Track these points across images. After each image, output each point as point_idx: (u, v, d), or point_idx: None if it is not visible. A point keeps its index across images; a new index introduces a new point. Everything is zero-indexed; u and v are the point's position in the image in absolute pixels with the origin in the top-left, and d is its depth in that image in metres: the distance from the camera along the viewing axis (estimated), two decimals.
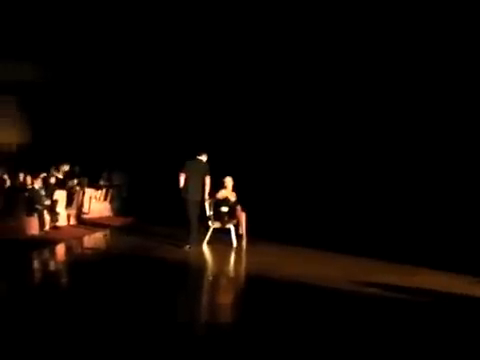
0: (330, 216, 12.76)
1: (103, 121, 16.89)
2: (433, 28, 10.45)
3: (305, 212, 13.18)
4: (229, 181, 10.38)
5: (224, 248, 9.77)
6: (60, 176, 13.57)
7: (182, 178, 9.76)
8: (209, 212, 10.12)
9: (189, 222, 9.68)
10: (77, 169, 15.75)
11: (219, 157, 10.17)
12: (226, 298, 6.51)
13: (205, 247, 9.92)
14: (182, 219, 9.92)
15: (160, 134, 16.35)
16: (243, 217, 10.28)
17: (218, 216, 10.11)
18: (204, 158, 9.93)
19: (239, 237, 10.19)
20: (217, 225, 10.15)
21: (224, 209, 10.13)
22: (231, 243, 9.91)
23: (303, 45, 12.85)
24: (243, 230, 10.29)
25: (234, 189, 10.43)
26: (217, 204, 10.14)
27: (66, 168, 14.16)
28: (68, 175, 14.03)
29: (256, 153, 14.45)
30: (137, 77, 16.39)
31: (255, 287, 6.84)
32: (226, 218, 10.11)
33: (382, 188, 12.21)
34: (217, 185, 10.25)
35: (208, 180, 9.78)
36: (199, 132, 14.73)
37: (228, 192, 10.34)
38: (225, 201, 10.16)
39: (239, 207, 10.26)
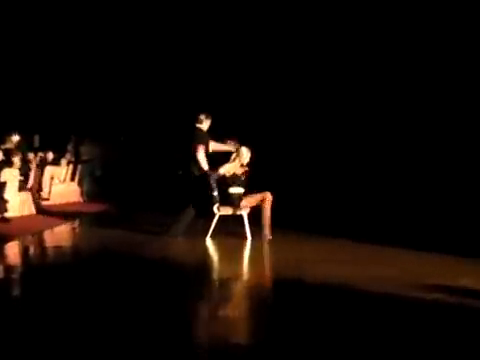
0: (375, 201, 13.28)
1: (67, 78, 16.79)
2: (436, 25, 12.76)
3: (341, 195, 13.87)
4: (244, 153, 10.19)
5: (236, 242, 9.73)
6: (11, 146, 13.45)
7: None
8: (214, 193, 10.04)
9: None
10: (37, 140, 15.66)
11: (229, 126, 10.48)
12: (243, 312, 6.29)
13: (209, 241, 9.92)
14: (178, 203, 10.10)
15: (144, 92, 16.25)
16: (268, 200, 10.00)
17: (226, 200, 10.03)
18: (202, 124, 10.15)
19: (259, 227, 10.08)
20: (225, 212, 10.06)
21: (235, 190, 10.00)
22: (245, 236, 9.92)
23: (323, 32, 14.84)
24: (266, 218, 10.02)
25: (249, 165, 10.30)
26: (224, 183, 10.03)
27: (16, 138, 13.99)
28: (20, 148, 13.88)
29: (279, 128, 15.53)
30: (112, 18, 16.30)
31: (282, 295, 6.68)
32: (237, 203, 10.01)
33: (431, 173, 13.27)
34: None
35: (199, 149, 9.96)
36: (200, 90, 14.98)
37: (235, 166, 10.17)
38: (235, 179, 9.98)
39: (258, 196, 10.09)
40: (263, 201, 9.97)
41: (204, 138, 10.15)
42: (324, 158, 14.99)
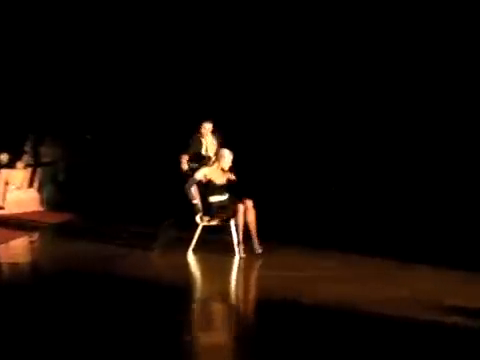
0: (378, 209, 13.42)
1: (22, 67, 16.69)
2: (436, 25, 13.99)
3: (340, 204, 14.01)
4: (225, 156, 10.20)
5: (222, 257, 9.79)
6: None
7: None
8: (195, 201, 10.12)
9: None
10: None
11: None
12: (227, 341, 6.29)
13: (190, 256, 9.99)
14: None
15: (113, 82, 16.23)
16: (240, 214, 9.88)
17: (208, 209, 10.11)
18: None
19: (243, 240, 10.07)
20: (208, 222, 10.15)
21: (215, 199, 10.06)
22: (232, 249, 9.94)
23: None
24: (238, 233, 9.98)
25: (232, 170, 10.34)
26: (204, 191, 10.10)
27: None
28: None
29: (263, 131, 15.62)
30: None
31: (273, 320, 6.66)
32: (223, 212, 10.04)
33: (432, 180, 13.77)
34: None
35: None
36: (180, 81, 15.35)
37: (213, 171, 10.21)
38: (214, 186, 10.08)
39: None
40: (235, 214, 9.90)
41: (190, 147, 11.17)
42: (321, 164, 15.19)
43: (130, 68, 16.26)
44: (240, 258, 9.81)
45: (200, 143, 11.14)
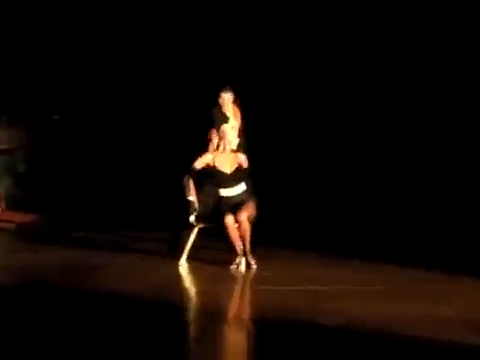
0: (412, 209, 13.50)
1: None
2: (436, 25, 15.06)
3: (363, 203, 14.00)
4: (228, 132, 10.26)
5: (221, 267, 9.86)
6: None
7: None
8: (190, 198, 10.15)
9: None
10: None
11: None
12: None
13: (183, 265, 10.10)
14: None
15: (83, 50, 16.27)
16: (244, 222, 9.87)
17: (219, 206, 10.05)
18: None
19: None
20: (207, 224, 10.19)
21: (226, 192, 10.00)
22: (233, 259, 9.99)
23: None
24: (247, 243, 9.98)
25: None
26: (216, 182, 10.12)
27: None
28: None
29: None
30: None
31: (287, 344, 6.56)
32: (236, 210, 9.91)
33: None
34: None
35: None
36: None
37: (220, 156, 10.18)
38: (222, 175, 10.03)
39: None
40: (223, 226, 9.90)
41: (215, 123, 11.01)
42: (341, 159, 15.36)
43: (109, 32, 16.19)
44: (239, 270, 9.91)
45: (224, 116, 11.10)
